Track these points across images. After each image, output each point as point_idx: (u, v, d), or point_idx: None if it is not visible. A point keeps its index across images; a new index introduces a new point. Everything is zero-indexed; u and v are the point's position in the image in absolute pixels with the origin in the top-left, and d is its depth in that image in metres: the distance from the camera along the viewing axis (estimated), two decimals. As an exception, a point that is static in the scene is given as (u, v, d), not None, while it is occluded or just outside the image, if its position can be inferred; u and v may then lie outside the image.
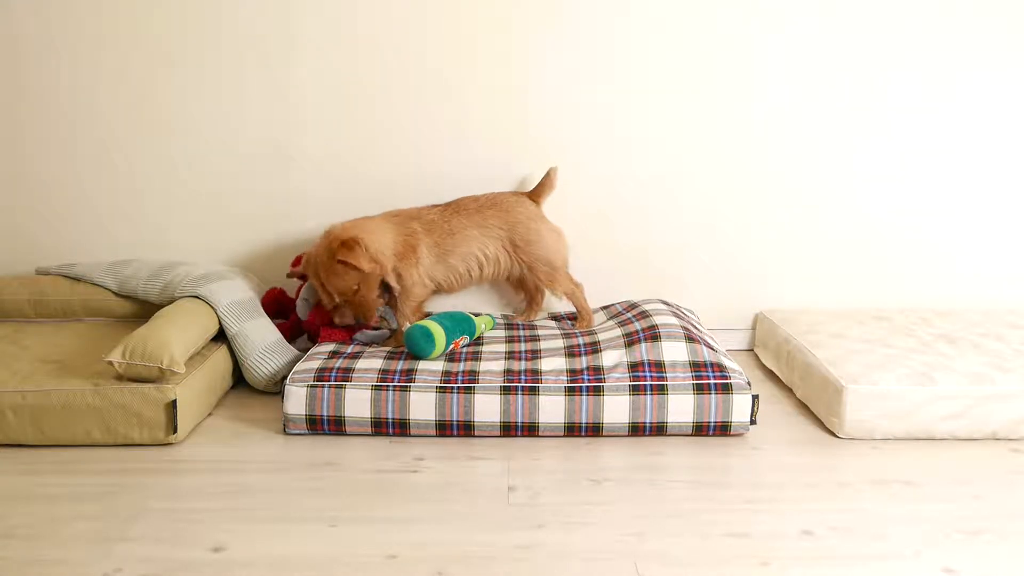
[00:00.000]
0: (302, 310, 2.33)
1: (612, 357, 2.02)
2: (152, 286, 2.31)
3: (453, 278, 2.30)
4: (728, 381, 1.93)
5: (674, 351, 2.01)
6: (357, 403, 1.91)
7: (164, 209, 2.52)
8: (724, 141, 2.48)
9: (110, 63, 2.41)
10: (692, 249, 2.56)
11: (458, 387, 1.91)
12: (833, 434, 1.98)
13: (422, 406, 1.91)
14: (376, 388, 1.91)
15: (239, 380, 2.26)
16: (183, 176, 2.50)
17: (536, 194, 2.38)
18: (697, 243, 2.55)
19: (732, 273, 2.58)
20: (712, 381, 1.93)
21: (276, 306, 2.40)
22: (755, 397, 1.92)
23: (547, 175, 2.38)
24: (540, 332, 2.28)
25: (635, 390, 1.91)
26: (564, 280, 2.35)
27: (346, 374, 1.95)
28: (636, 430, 1.93)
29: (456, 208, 2.31)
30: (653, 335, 2.07)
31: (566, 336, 2.23)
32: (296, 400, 1.92)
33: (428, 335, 2.02)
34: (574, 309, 2.43)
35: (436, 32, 2.38)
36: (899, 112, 2.46)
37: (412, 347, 2.04)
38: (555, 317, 2.46)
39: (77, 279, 2.41)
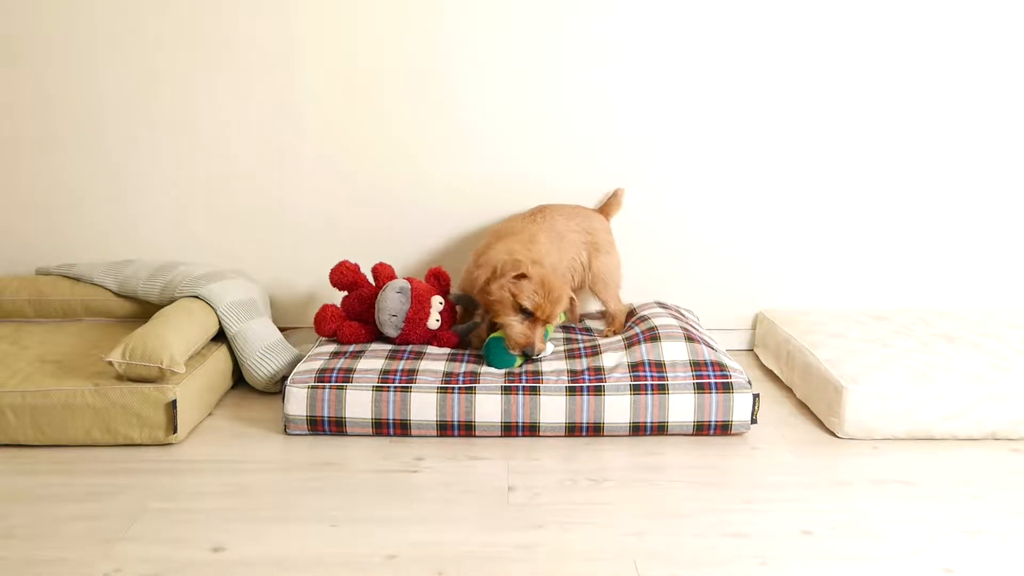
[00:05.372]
0: (391, 327, 2.12)
1: (612, 358, 2.02)
2: (152, 286, 2.31)
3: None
4: (729, 380, 1.93)
5: (674, 351, 2.01)
6: (358, 404, 1.91)
7: (164, 209, 2.52)
8: (724, 141, 2.47)
9: (110, 63, 2.41)
10: (692, 249, 2.56)
11: (459, 387, 1.91)
12: (833, 434, 1.98)
13: (423, 406, 1.91)
14: (377, 389, 1.91)
15: (239, 380, 2.25)
16: (183, 176, 2.50)
17: (606, 212, 2.43)
18: (697, 243, 2.55)
19: (732, 273, 2.58)
20: (713, 380, 1.93)
21: (351, 277, 2.21)
22: (756, 396, 1.92)
23: (615, 194, 2.44)
24: (540, 332, 2.29)
25: (636, 390, 1.91)
26: (618, 299, 2.36)
27: (347, 375, 1.95)
28: (637, 430, 1.93)
29: (550, 212, 2.30)
30: (653, 336, 2.07)
31: (567, 340, 2.23)
32: (297, 401, 1.92)
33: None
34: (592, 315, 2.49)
35: (436, 32, 2.38)
36: (899, 112, 2.46)
37: (494, 359, 2.00)
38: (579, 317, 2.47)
39: (77, 279, 2.41)
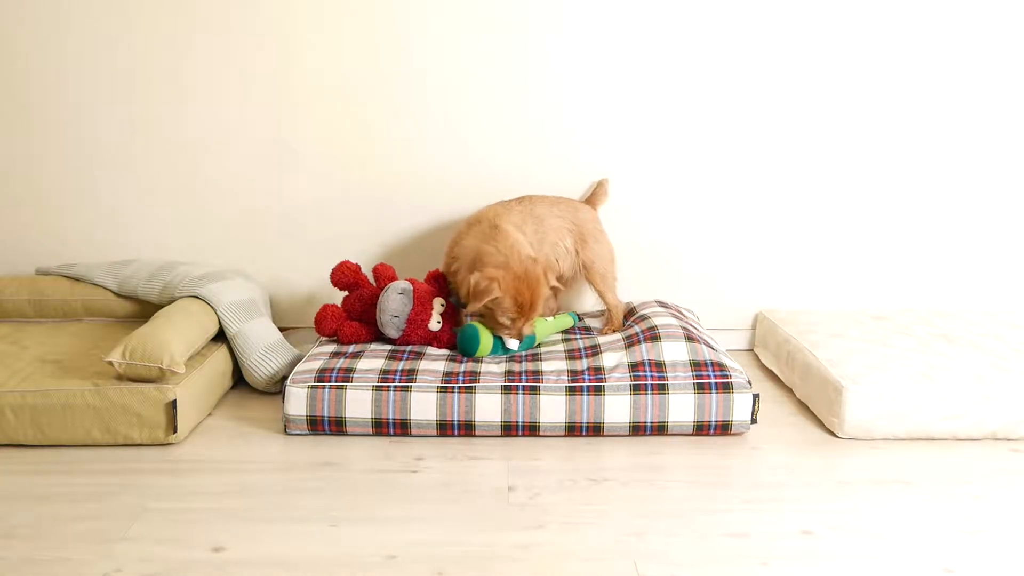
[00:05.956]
0: (392, 327, 2.12)
1: (612, 358, 2.02)
2: (152, 286, 2.31)
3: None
4: (729, 380, 1.93)
5: (674, 351, 2.01)
6: (358, 404, 1.91)
7: (164, 209, 2.52)
8: (724, 141, 2.47)
9: (110, 63, 2.41)
10: (692, 249, 2.56)
11: (459, 387, 1.91)
12: (833, 434, 1.98)
13: (423, 406, 1.91)
14: (377, 389, 1.91)
15: (239, 380, 2.25)
16: (183, 176, 2.50)
17: (592, 202, 2.43)
18: (697, 243, 2.55)
19: (732, 273, 2.58)
20: (713, 380, 1.93)
21: (352, 277, 2.22)
22: (756, 396, 1.92)
23: (600, 185, 2.45)
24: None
25: (636, 390, 1.91)
26: (615, 291, 2.36)
27: (347, 375, 1.94)
28: (637, 430, 1.93)
29: (531, 200, 2.32)
30: (653, 335, 2.07)
31: (566, 340, 2.23)
32: (297, 401, 1.92)
33: (477, 335, 2.06)
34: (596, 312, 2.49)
35: (437, 32, 2.38)
36: (899, 112, 2.46)
37: (461, 344, 2.09)
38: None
39: (77, 279, 2.41)
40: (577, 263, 2.33)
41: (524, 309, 2.03)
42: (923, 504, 1.64)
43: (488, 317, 2.07)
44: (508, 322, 2.05)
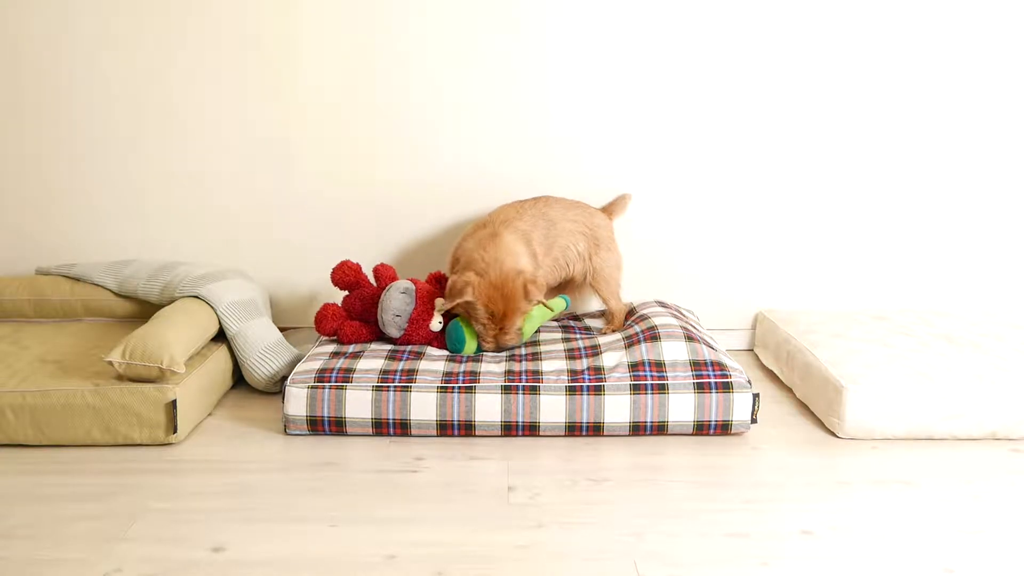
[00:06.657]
0: (394, 327, 2.12)
1: (612, 358, 2.02)
2: (152, 286, 2.31)
3: (556, 270, 2.30)
4: (729, 380, 1.93)
5: (674, 350, 2.01)
6: (358, 404, 1.91)
7: (164, 209, 2.52)
8: (724, 141, 2.48)
9: (110, 63, 2.41)
10: (692, 249, 2.56)
11: (459, 387, 1.91)
12: (833, 434, 1.98)
13: (423, 406, 1.91)
14: (377, 389, 1.91)
15: (239, 380, 2.25)
16: (183, 176, 2.50)
17: (609, 212, 2.42)
18: (697, 243, 2.55)
19: (732, 273, 2.58)
20: (712, 380, 1.93)
21: (352, 277, 2.22)
22: (756, 396, 1.92)
23: (621, 198, 2.44)
24: (541, 335, 2.28)
25: (636, 389, 1.91)
26: (618, 297, 2.36)
27: (347, 375, 1.94)
28: (637, 429, 1.93)
29: (546, 202, 2.32)
30: (653, 335, 2.07)
31: (566, 340, 2.23)
32: (297, 401, 1.92)
33: (461, 332, 2.10)
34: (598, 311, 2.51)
35: (436, 34, 2.38)
36: (899, 112, 2.46)
37: (448, 341, 2.13)
38: (574, 316, 2.46)
39: (77, 279, 2.41)
40: (588, 268, 2.32)
41: (496, 319, 2.07)
42: (923, 504, 1.64)
43: (470, 320, 2.13)
44: (482, 328, 2.09)
